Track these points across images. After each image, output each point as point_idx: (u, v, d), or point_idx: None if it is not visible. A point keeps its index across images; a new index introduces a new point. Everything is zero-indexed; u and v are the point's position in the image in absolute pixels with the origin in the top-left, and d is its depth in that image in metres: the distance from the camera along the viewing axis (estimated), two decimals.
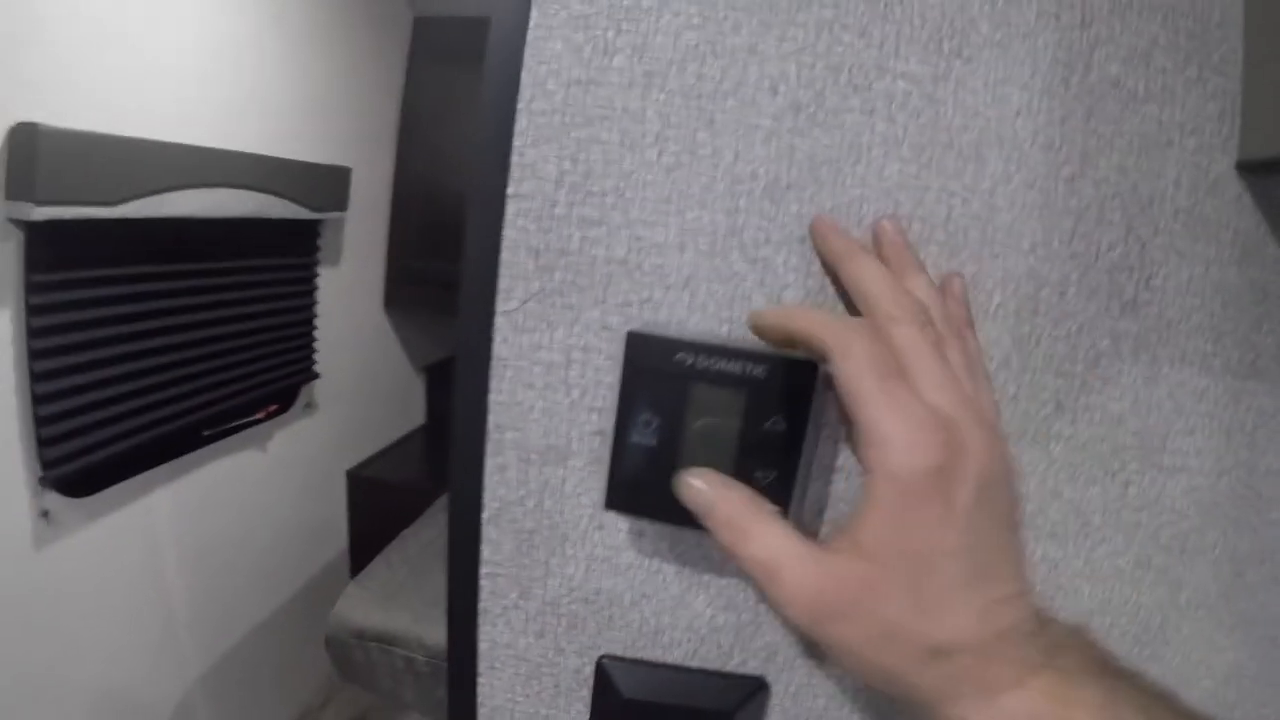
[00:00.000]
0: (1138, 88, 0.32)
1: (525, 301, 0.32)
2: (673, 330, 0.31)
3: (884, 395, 0.25)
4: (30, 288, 1.05)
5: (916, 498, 0.24)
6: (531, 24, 0.31)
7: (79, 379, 1.14)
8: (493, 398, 0.33)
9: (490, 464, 0.34)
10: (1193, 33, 0.32)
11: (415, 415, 2.52)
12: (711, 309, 0.32)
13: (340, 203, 1.79)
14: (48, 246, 1.05)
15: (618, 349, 0.32)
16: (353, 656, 1.38)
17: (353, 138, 1.90)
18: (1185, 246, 0.34)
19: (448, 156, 2.10)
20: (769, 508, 0.28)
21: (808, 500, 0.34)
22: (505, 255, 0.32)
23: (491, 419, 0.34)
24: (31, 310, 1.05)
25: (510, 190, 0.31)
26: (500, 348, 0.33)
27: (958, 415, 0.25)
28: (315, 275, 1.79)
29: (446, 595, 0.37)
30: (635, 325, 0.30)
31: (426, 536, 1.69)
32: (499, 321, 0.33)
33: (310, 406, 1.88)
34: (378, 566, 1.56)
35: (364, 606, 1.40)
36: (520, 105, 0.31)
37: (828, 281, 0.32)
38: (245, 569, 1.68)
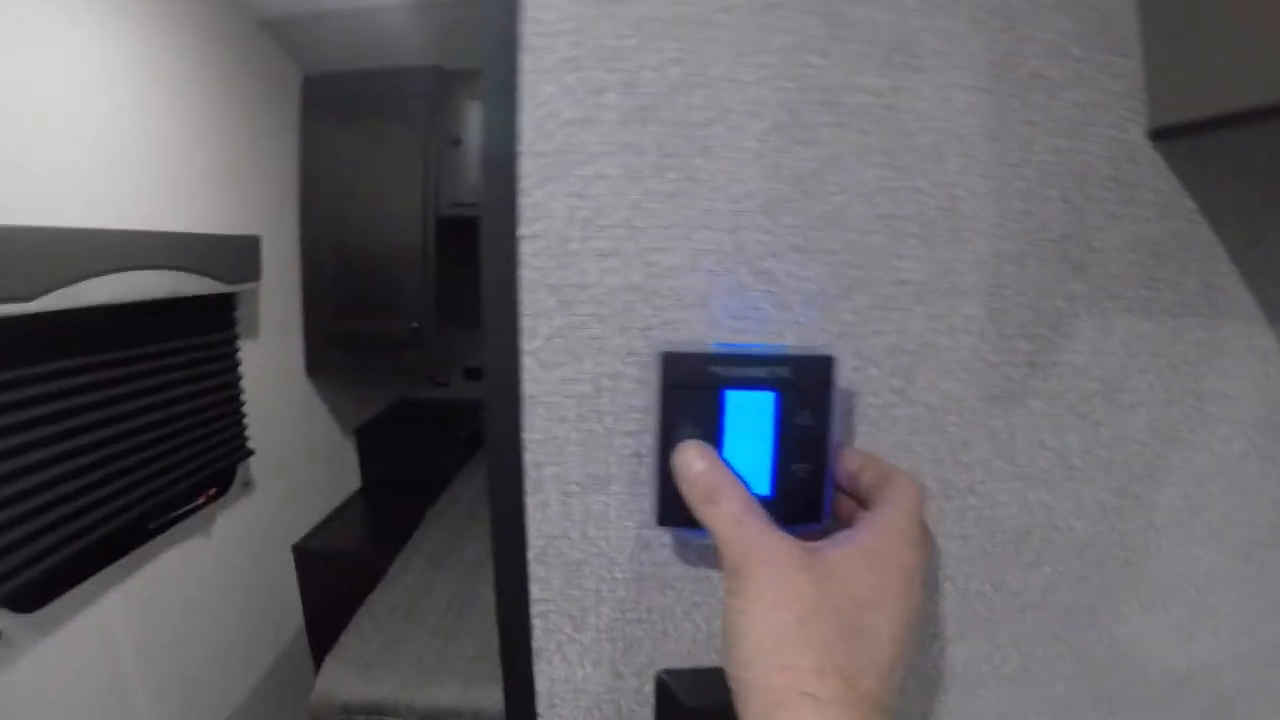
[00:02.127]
0: (1058, 77, 0.37)
1: (550, 339, 0.33)
2: (699, 347, 0.33)
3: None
4: None
5: (906, 553, 0.28)
6: (523, 70, 0.32)
7: (10, 488, 1.06)
8: (527, 435, 0.34)
9: (531, 501, 0.35)
10: (1097, 22, 0.37)
11: (350, 480, 2.45)
12: (726, 322, 0.34)
13: (253, 272, 1.72)
14: None
15: (645, 372, 0.33)
16: None
17: (257, 205, 1.83)
18: (1116, 210, 0.39)
19: (353, 214, 2.06)
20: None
21: None
22: (525, 295, 0.33)
23: (528, 456, 0.34)
24: None
25: (523, 231, 0.32)
26: (530, 385, 0.34)
27: None
28: (236, 350, 1.71)
29: (499, 641, 0.37)
30: (664, 346, 0.31)
31: (392, 600, 1.63)
32: (526, 361, 0.33)
33: (248, 485, 1.78)
34: (350, 638, 1.48)
35: (346, 680, 1.33)
36: (521, 149, 0.32)
37: (827, 285, 0.35)
38: (207, 660, 1.57)
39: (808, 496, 0.33)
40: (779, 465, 0.32)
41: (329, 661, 1.39)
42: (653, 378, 0.31)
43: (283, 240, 1.98)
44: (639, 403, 0.34)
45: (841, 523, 0.33)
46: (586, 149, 0.33)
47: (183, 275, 1.39)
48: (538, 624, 0.36)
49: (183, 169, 1.52)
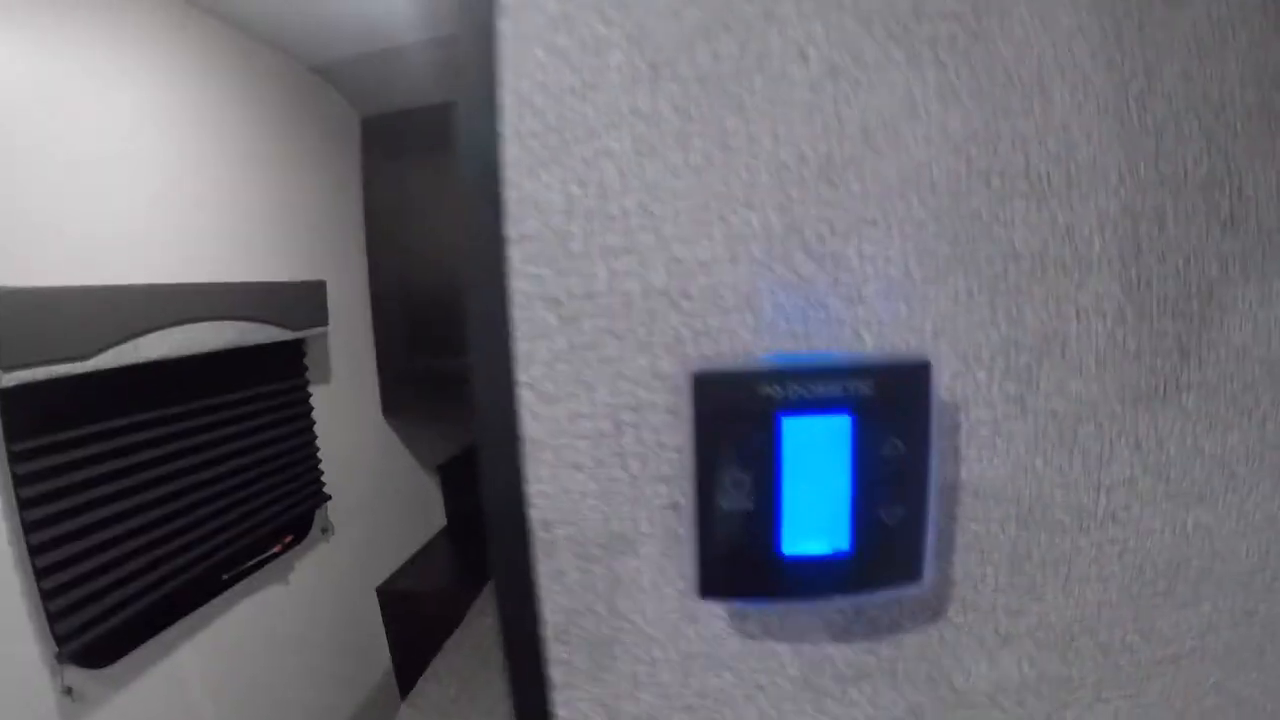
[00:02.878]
0: None
1: (552, 364, 0.26)
2: (745, 362, 0.25)
3: None
4: (13, 457, 0.99)
5: None
6: (502, 35, 0.25)
7: (80, 544, 1.07)
8: (532, 487, 0.27)
9: (543, 569, 0.28)
10: None
11: (435, 518, 2.44)
12: (782, 327, 0.26)
13: (320, 317, 1.73)
14: (25, 411, 1.00)
15: (678, 399, 0.26)
16: None
17: (321, 249, 1.85)
18: (1266, 146, 0.30)
19: (419, 251, 2.06)
20: None
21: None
22: (518, 313, 0.26)
23: (535, 514, 0.27)
24: (19, 480, 0.99)
25: (511, 233, 0.25)
26: (531, 425, 0.26)
27: None
28: (308, 395, 1.72)
29: None
30: (696, 365, 0.24)
31: (470, 643, 1.60)
32: (523, 394, 0.26)
33: (327, 530, 1.79)
34: (427, 684, 1.45)
35: None
36: (505, 130, 0.26)
37: (913, 267, 0.27)
38: (290, 709, 1.56)
39: (901, 549, 0.25)
40: (860, 510, 0.24)
41: (405, 709, 1.37)
42: (684, 406, 0.24)
43: (351, 283, 1.99)
44: (672, 439, 0.26)
45: None
46: (587, 122, 0.26)
47: (246, 325, 1.40)
48: (562, 714, 0.29)
49: (242, 218, 1.53)
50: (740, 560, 0.24)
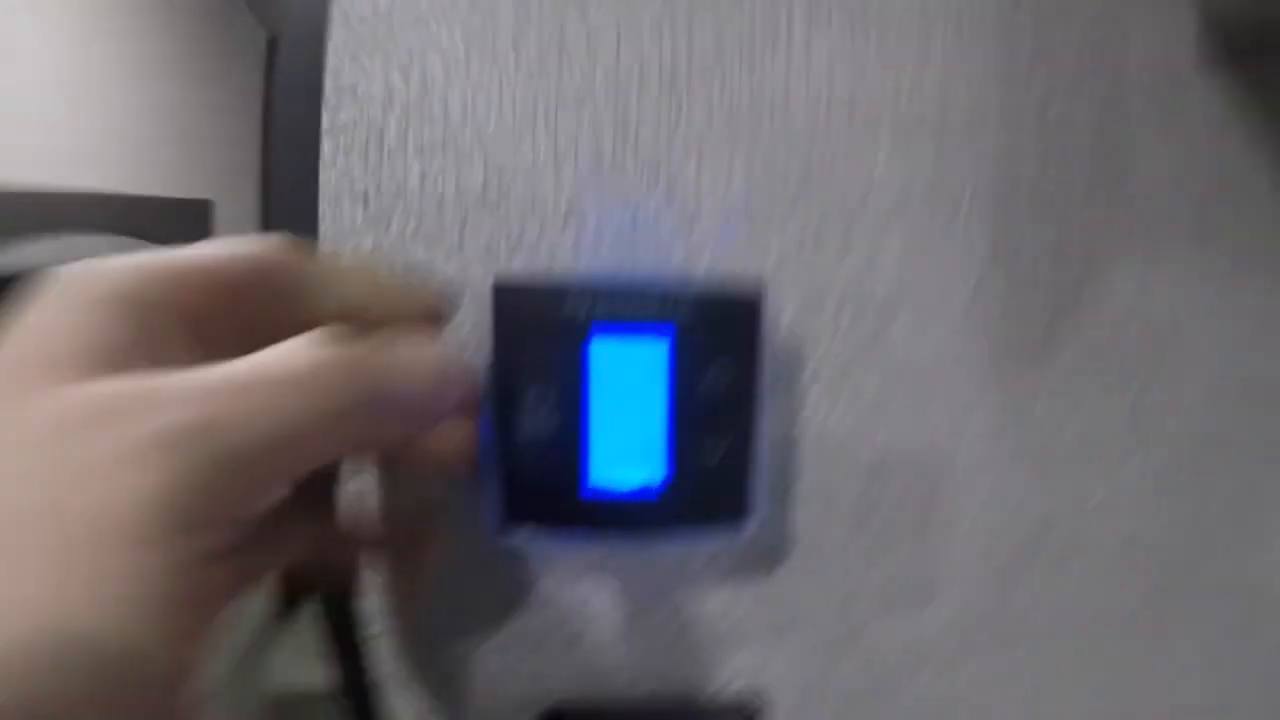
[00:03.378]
0: None
1: None
2: (553, 275, 0.24)
3: None
4: None
5: None
6: None
7: None
8: None
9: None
10: None
11: None
12: (606, 244, 0.24)
13: (202, 240, 1.68)
14: None
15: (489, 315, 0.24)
16: None
17: (212, 169, 1.78)
18: (1162, 116, 0.28)
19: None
20: None
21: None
22: (325, 209, 0.24)
23: None
24: None
25: (326, 123, 0.24)
26: None
27: None
28: None
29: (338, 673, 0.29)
30: (500, 274, 0.22)
31: None
32: None
33: None
34: None
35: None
36: (336, 11, 0.24)
37: (760, 191, 0.25)
38: None
39: (724, 486, 0.24)
40: (677, 444, 0.23)
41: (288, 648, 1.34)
42: (487, 320, 0.22)
43: (240, 208, 1.88)
44: (481, 357, 0.25)
45: None
46: (418, 9, 0.24)
47: (125, 241, 1.32)
48: (376, 649, 0.28)
49: (131, 127, 1.46)
50: (544, 491, 0.23)
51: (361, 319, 0.16)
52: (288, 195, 0.24)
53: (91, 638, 0.11)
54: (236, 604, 0.15)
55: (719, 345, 0.22)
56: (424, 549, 0.23)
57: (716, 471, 0.23)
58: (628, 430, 0.23)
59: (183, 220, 1.59)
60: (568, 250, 0.24)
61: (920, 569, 0.30)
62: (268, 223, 0.24)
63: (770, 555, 0.28)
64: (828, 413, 0.27)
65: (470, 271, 0.24)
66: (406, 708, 0.29)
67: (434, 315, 0.19)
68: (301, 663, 1.30)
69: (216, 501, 0.13)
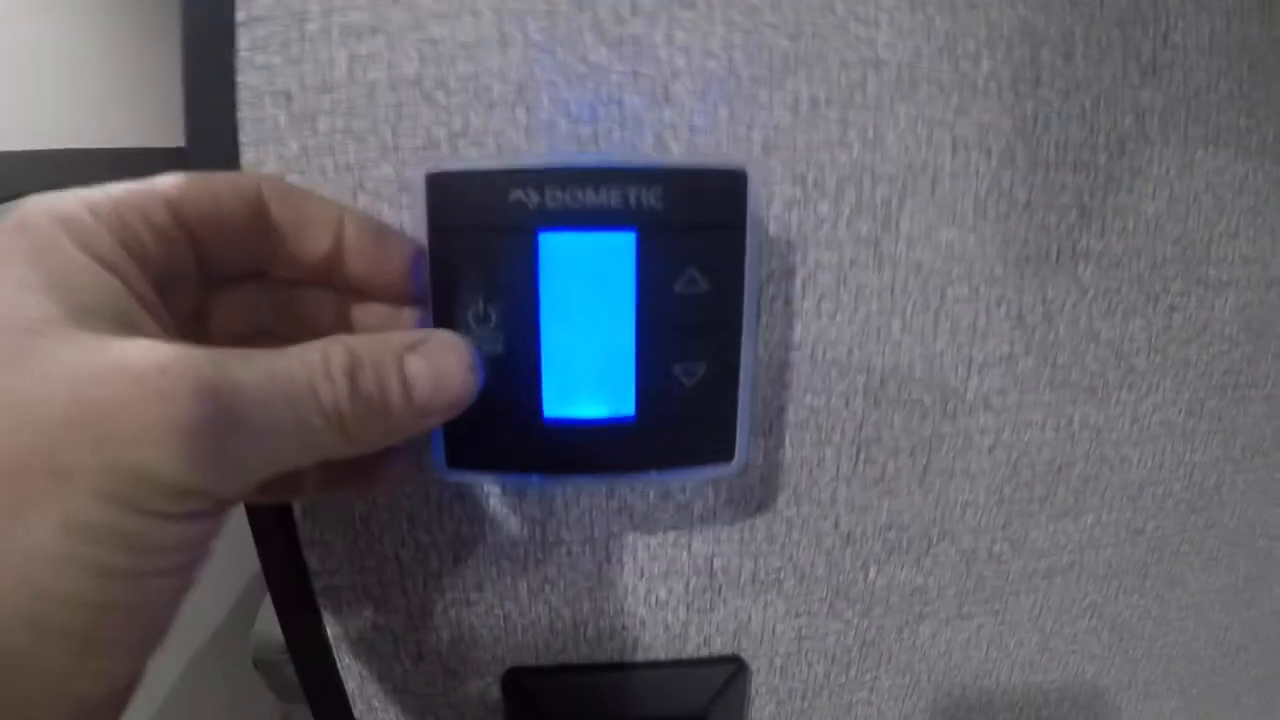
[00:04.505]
0: None
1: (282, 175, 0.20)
2: (493, 159, 0.20)
3: None
4: None
5: None
6: None
7: None
8: None
9: None
10: None
11: None
12: (564, 128, 0.20)
13: None
14: None
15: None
16: (286, 674, 1.25)
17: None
18: None
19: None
20: None
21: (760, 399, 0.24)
22: (245, 114, 0.20)
23: None
24: None
25: (240, 14, 0.19)
26: None
27: None
28: None
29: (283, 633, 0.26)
30: (435, 166, 0.18)
31: None
32: None
33: None
34: None
35: None
36: None
37: (741, 63, 0.21)
38: None
39: (705, 418, 0.20)
40: (647, 363, 0.19)
41: (268, 602, 1.33)
42: (421, 218, 0.18)
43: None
44: (419, 267, 0.21)
45: None
46: None
47: None
48: (326, 605, 0.25)
49: (97, 78, 1.37)
50: (494, 424, 0.19)
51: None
52: (204, 100, 0.19)
53: None
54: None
55: (695, 238, 0.19)
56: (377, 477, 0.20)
57: (694, 398, 0.20)
58: (589, 349, 0.19)
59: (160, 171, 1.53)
60: (519, 141, 0.20)
61: (922, 512, 0.27)
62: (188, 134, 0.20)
63: (757, 496, 0.25)
64: (823, 329, 0.23)
65: (408, 172, 0.20)
66: (360, 669, 0.26)
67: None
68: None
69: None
